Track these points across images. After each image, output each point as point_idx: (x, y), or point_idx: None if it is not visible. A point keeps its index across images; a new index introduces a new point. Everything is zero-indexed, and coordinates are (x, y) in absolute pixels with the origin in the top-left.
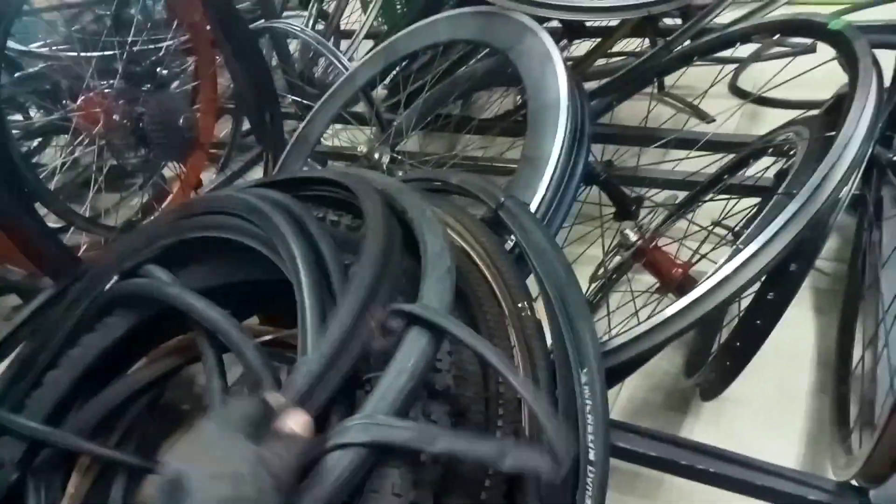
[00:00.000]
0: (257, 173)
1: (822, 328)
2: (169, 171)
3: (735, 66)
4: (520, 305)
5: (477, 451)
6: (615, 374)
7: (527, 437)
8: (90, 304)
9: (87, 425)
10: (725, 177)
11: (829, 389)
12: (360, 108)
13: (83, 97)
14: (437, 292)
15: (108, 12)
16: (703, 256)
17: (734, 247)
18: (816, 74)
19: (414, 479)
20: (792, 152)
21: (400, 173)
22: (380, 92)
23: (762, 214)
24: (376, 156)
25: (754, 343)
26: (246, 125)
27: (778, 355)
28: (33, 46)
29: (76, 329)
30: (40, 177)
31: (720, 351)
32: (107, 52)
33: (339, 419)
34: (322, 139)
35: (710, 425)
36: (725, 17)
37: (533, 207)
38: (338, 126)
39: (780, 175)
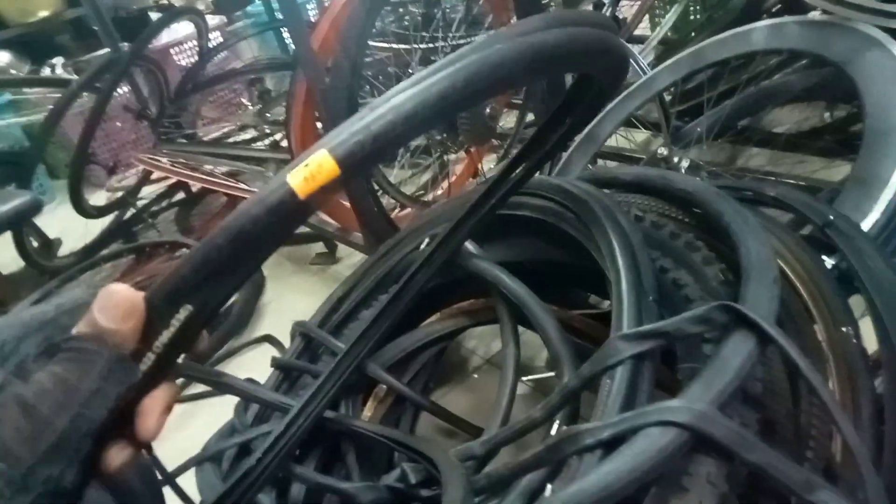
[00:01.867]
0: None
1: None
2: (452, 154)
3: None
4: (843, 331)
5: (786, 473)
6: None
7: (837, 476)
8: (400, 260)
9: (386, 362)
10: None
11: None
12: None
13: None
14: (765, 299)
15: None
16: None
17: None
18: None
19: (726, 474)
20: None
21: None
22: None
23: None
24: (675, 160)
25: None
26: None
27: None
28: None
29: (385, 278)
30: None
31: None
32: (429, 45)
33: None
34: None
35: None
36: None
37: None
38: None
39: None
